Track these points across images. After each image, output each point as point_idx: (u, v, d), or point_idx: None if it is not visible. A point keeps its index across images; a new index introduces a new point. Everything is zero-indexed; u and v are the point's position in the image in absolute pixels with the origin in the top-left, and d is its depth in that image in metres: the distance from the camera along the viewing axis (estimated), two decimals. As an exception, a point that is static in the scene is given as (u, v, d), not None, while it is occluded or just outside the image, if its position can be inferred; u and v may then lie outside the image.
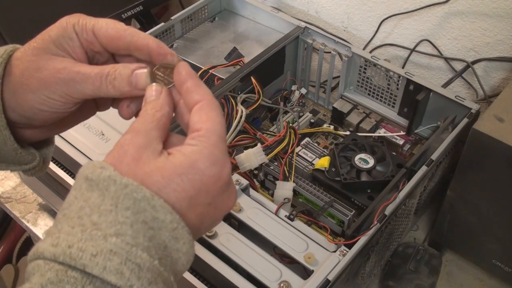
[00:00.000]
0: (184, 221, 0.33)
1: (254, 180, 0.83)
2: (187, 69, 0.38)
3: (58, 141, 0.75)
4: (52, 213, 0.93)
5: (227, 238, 0.66)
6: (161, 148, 0.35)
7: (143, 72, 0.38)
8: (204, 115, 0.36)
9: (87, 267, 0.29)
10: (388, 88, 0.92)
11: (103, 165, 0.33)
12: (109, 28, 0.40)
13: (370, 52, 1.07)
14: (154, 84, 0.38)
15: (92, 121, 0.79)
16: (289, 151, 0.82)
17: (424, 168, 0.73)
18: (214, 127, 0.35)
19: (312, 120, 0.98)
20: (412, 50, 1.03)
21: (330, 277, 0.61)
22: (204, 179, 0.34)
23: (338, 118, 0.95)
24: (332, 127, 0.95)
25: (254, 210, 0.69)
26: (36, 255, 0.31)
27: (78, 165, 0.72)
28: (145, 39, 0.39)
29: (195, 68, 0.94)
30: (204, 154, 0.34)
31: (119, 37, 0.39)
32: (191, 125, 0.36)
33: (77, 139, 0.76)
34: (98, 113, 0.85)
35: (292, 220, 0.69)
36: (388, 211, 0.67)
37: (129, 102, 0.41)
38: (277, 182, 0.79)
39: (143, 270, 0.30)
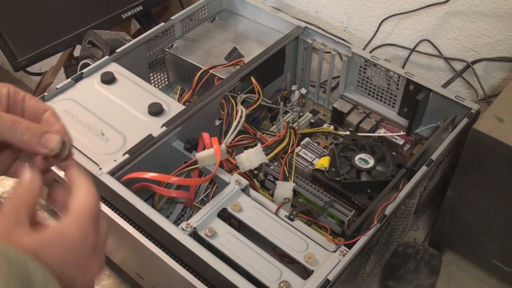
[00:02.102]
0: (55, 279, 0.37)
1: (254, 180, 0.83)
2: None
3: (58, 141, 0.75)
4: (52, 213, 0.92)
5: (227, 238, 0.66)
6: (28, 223, 0.39)
7: (56, 137, 0.43)
8: (77, 194, 0.42)
9: None
10: (388, 88, 0.92)
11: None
12: (38, 101, 0.46)
13: (370, 52, 1.07)
14: (27, 167, 0.43)
15: (92, 121, 0.79)
16: (289, 151, 0.82)
17: (424, 168, 0.73)
18: (85, 199, 0.42)
19: (312, 120, 0.98)
20: (412, 50, 1.03)
21: (330, 277, 0.61)
22: (72, 244, 0.40)
23: (338, 118, 0.95)
24: (332, 127, 0.95)
25: (254, 210, 0.69)
26: None
27: (78, 165, 0.72)
28: (54, 124, 0.45)
29: (195, 68, 0.94)
30: (70, 224, 0.40)
31: (44, 109, 0.46)
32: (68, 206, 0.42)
33: (77, 139, 0.76)
34: (98, 112, 0.86)
35: (292, 220, 0.69)
36: (388, 211, 0.67)
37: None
38: (277, 182, 0.79)
39: None
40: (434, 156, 0.74)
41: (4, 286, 0.34)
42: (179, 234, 0.64)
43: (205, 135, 0.77)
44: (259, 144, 0.80)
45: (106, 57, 0.88)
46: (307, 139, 0.88)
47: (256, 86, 0.89)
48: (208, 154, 0.74)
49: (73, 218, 0.40)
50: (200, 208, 0.69)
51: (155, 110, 0.80)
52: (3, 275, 0.34)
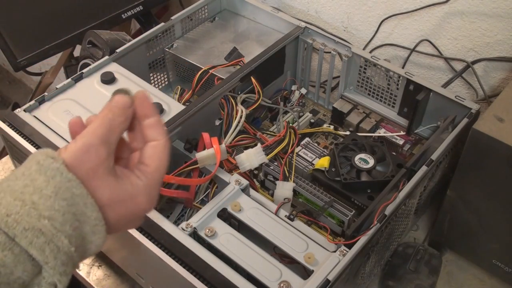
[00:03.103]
0: (104, 220, 0.40)
1: (254, 180, 0.83)
2: (151, 104, 0.44)
3: (57, 140, 0.75)
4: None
5: (227, 238, 0.66)
6: (113, 164, 0.41)
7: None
8: (156, 153, 0.43)
9: (16, 237, 0.35)
10: (388, 88, 0.92)
11: (54, 156, 0.38)
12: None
13: (370, 52, 1.07)
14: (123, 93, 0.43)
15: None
16: (289, 151, 0.82)
17: (424, 168, 0.73)
18: (161, 167, 0.43)
19: (312, 120, 0.98)
20: (412, 50, 1.03)
21: (330, 277, 0.61)
22: (137, 211, 0.43)
23: (338, 118, 0.95)
24: (332, 127, 0.95)
25: (254, 210, 0.69)
26: None
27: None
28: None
29: (195, 68, 0.94)
30: (146, 192, 0.42)
31: None
32: (143, 157, 0.43)
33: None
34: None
35: (292, 220, 0.69)
36: (388, 211, 0.67)
37: None
38: (277, 182, 0.79)
39: (61, 252, 0.36)
40: (434, 156, 0.74)
41: (61, 216, 0.36)
42: (179, 234, 0.64)
43: (205, 135, 0.77)
44: (259, 144, 0.80)
45: (106, 57, 0.88)
46: (307, 139, 0.88)
47: (256, 86, 0.89)
48: (208, 154, 0.74)
49: (145, 189, 0.42)
50: (200, 208, 0.69)
51: (155, 110, 0.80)
52: (62, 205, 0.37)
